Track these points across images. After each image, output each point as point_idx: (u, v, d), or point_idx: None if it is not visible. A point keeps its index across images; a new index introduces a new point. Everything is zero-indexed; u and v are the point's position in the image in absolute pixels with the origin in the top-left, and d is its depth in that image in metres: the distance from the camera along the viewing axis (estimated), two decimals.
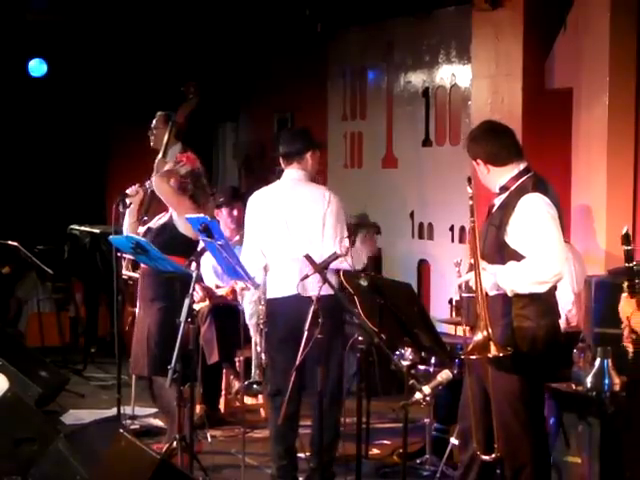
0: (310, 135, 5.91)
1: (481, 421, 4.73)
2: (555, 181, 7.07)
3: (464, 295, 4.65)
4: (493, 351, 4.38)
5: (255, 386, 5.67)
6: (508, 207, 4.65)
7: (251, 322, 5.77)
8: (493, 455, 4.69)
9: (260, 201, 5.83)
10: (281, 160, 5.83)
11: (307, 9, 8.57)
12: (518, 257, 4.58)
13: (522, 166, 4.77)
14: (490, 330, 4.38)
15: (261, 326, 5.61)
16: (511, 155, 4.77)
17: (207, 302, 7.10)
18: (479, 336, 4.38)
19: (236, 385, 7.10)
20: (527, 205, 4.61)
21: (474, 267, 4.43)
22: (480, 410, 4.73)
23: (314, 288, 5.06)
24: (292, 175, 5.78)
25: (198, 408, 6.91)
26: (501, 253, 4.61)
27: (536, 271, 4.53)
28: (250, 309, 5.75)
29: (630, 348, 4.43)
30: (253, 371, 5.65)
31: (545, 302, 4.65)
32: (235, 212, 7.37)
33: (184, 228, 6.05)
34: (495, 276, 4.55)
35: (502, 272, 4.56)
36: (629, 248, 4.27)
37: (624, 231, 4.58)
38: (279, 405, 5.41)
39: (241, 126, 11.33)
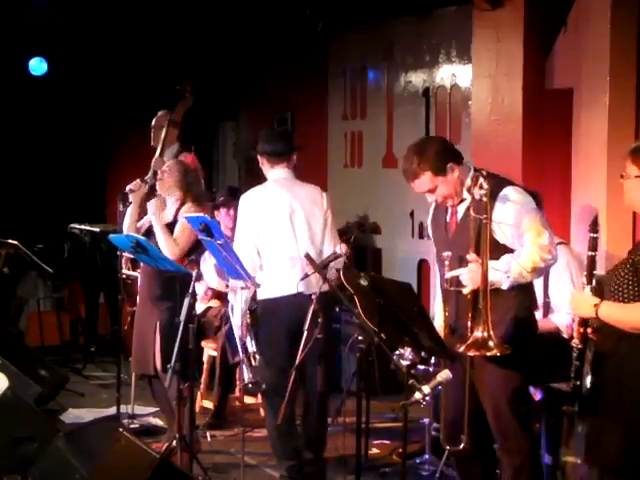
0: (292, 137, 6.13)
1: (455, 412, 4.68)
2: (555, 181, 7.13)
3: (452, 289, 4.62)
4: (493, 350, 4.34)
5: (250, 386, 5.67)
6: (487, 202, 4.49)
7: (242, 321, 5.76)
8: (462, 445, 4.63)
9: (257, 200, 5.81)
10: (265, 159, 5.85)
11: (308, 8, 8.55)
12: (508, 251, 4.54)
13: (469, 164, 4.76)
14: (491, 328, 4.33)
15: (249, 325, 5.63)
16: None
17: (217, 302, 7.11)
18: (479, 333, 4.34)
19: None
20: (510, 197, 4.55)
21: (482, 263, 4.36)
22: (457, 401, 4.67)
23: (315, 286, 5.13)
24: (282, 174, 5.82)
25: (198, 407, 6.92)
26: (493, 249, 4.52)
27: (534, 258, 4.48)
28: (242, 308, 5.75)
29: (577, 343, 4.25)
30: (245, 372, 5.63)
31: (529, 293, 4.67)
32: (233, 212, 7.37)
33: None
34: (497, 269, 4.47)
35: (498, 265, 4.50)
36: (595, 236, 4.14)
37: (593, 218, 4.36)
38: (277, 405, 5.41)
39: (241, 125, 11.32)
